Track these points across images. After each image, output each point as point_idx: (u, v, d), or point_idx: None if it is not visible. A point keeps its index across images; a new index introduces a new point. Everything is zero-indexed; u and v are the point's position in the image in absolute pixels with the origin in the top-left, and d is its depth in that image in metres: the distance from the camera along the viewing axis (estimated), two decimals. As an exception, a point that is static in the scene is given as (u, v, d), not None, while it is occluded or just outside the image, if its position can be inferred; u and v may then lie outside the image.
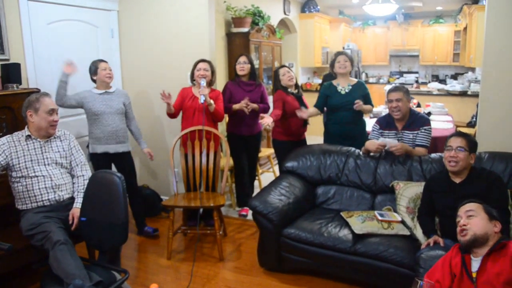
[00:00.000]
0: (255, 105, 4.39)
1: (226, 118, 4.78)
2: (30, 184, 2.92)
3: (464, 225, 2.14)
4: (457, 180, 2.85)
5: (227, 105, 4.35)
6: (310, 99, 4.67)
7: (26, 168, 2.91)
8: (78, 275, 2.48)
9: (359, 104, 4.03)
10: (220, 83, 5.05)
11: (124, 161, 4.04)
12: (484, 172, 2.88)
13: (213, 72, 4.12)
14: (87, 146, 3.96)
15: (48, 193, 2.95)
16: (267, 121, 3.90)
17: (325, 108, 4.33)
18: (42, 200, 2.93)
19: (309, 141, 4.54)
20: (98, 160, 3.91)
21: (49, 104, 2.99)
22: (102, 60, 3.94)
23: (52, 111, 3.00)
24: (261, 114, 4.09)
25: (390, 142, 3.54)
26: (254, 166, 4.86)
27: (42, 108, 2.95)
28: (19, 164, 2.90)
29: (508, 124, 3.49)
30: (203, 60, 4.11)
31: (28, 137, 2.99)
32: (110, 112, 3.87)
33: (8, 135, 2.98)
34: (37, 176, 2.94)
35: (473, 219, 2.14)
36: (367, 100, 4.23)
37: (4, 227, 3.17)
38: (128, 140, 4.06)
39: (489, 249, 2.06)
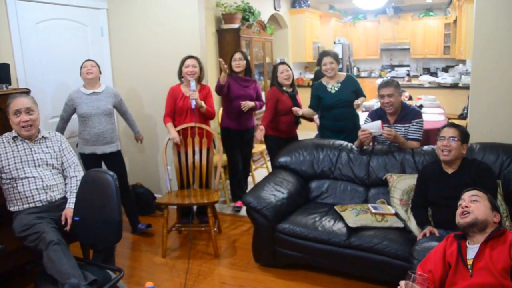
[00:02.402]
0: (251, 103, 4.42)
1: (220, 112, 4.78)
2: (21, 185, 2.90)
3: (467, 206, 2.15)
4: (449, 171, 2.89)
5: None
6: (302, 94, 4.67)
7: (16, 169, 2.89)
8: (72, 274, 2.47)
9: (357, 104, 4.14)
10: (212, 80, 5.04)
11: (113, 160, 4.03)
12: (475, 162, 2.92)
13: (201, 69, 4.06)
14: (77, 145, 3.95)
15: (39, 194, 2.93)
16: (261, 134, 4.16)
17: None
18: (34, 201, 2.91)
19: (302, 137, 4.54)
20: (87, 160, 3.91)
21: (14, 105, 2.91)
22: (87, 60, 3.94)
23: (18, 112, 2.90)
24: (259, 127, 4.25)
25: (371, 126, 3.55)
26: (248, 161, 4.87)
27: (9, 111, 2.93)
28: (8, 165, 2.88)
29: (498, 115, 3.52)
30: (191, 57, 4.03)
31: (15, 138, 2.96)
32: (96, 113, 3.84)
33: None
34: (27, 178, 2.91)
35: (476, 204, 2.15)
36: (358, 93, 4.23)
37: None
38: (117, 140, 4.05)
39: (488, 236, 2.07)
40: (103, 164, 4.05)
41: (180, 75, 4.08)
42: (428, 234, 2.75)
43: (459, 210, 2.19)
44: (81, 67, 3.89)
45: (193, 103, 3.83)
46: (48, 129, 3.32)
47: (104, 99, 3.89)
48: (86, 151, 3.90)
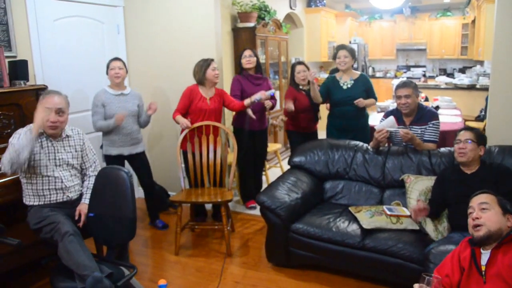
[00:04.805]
0: (270, 104, 4.42)
1: (233, 112, 4.77)
2: (41, 183, 2.90)
3: (477, 218, 2.08)
4: (468, 171, 2.90)
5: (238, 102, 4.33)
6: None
7: (40, 166, 2.87)
8: (89, 266, 2.49)
9: (360, 101, 4.09)
10: (227, 78, 5.04)
11: (138, 160, 4.09)
12: (494, 165, 2.93)
13: None
14: (101, 147, 4.00)
15: (57, 194, 2.95)
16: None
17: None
18: (50, 200, 2.93)
19: (319, 136, 4.56)
20: (112, 162, 3.90)
21: (50, 102, 2.87)
22: (114, 59, 3.94)
23: (50, 110, 2.86)
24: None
25: (386, 124, 3.52)
26: (263, 161, 4.85)
27: (43, 104, 2.86)
28: (33, 160, 2.85)
29: (518, 117, 3.46)
30: (213, 59, 4.06)
31: (41, 134, 2.93)
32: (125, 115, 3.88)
33: (26, 129, 2.85)
34: (48, 176, 2.91)
35: (486, 212, 2.08)
36: (369, 93, 4.25)
37: (12, 223, 3.17)
38: (142, 140, 4.08)
39: (499, 242, 2.02)
40: (126, 164, 4.09)
41: (203, 76, 4.00)
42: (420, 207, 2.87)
43: (470, 221, 2.13)
44: (107, 66, 3.89)
45: (258, 98, 4.00)
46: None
47: (131, 100, 3.93)
48: (113, 152, 3.92)
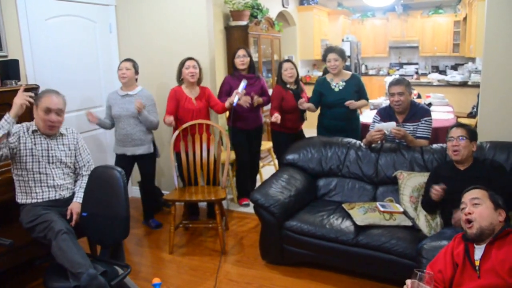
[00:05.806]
0: (260, 99, 4.39)
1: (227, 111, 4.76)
2: (32, 180, 2.91)
3: (470, 213, 2.10)
4: (462, 168, 2.93)
5: (224, 99, 4.25)
6: (310, 92, 4.64)
7: (32, 162, 2.89)
8: (83, 264, 2.49)
9: (351, 103, 4.03)
10: (220, 77, 5.03)
11: (143, 162, 4.12)
12: (487, 160, 2.96)
13: (200, 70, 4.09)
14: None
15: (49, 191, 2.95)
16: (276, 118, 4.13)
17: None
18: (42, 198, 2.93)
19: (307, 134, 4.54)
20: (118, 160, 4.06)
21: (47, 102, 2.89)
22: (124, 60, 4.02)
23: (49, 110, 2.89)
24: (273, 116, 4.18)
25: (386, 127, 3.52)
26: (257, 159, 4.85)
27: (40, 105, 2.89)
28: (25, 156, 2.87)
29: (509, 114, 3.48)
30: (190, 58, 4.05)
31: (35, 131, 2.95)
32: (125, 115, 3.92)
33: (19, 124, 2.92)
34: (40, 173, 2.92)
35: (478, 207, 2.10)
36: (361, 94, 4.19)
37: (5, 223, 3.16)
38: (149, 142, 4.06)
39: (493, 237, 2.04)
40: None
41: (180, 77, 4.08)
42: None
43: (462, 217, 2.16)
44: (118, 67, 3.97)
45: (236, 99, 3.97)
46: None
47: (135, 102, 3.90)
48: (118, 151, 4.06)
